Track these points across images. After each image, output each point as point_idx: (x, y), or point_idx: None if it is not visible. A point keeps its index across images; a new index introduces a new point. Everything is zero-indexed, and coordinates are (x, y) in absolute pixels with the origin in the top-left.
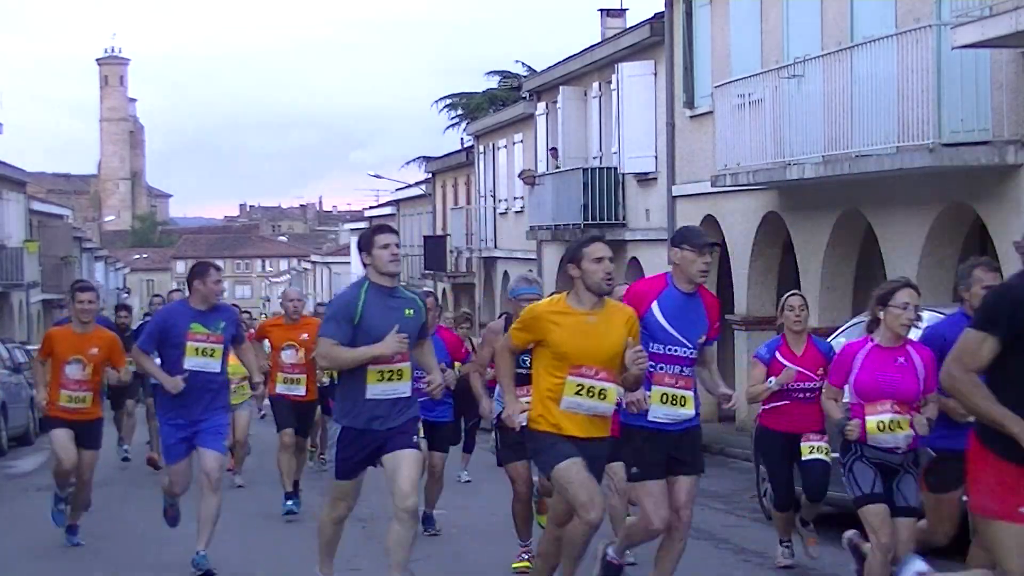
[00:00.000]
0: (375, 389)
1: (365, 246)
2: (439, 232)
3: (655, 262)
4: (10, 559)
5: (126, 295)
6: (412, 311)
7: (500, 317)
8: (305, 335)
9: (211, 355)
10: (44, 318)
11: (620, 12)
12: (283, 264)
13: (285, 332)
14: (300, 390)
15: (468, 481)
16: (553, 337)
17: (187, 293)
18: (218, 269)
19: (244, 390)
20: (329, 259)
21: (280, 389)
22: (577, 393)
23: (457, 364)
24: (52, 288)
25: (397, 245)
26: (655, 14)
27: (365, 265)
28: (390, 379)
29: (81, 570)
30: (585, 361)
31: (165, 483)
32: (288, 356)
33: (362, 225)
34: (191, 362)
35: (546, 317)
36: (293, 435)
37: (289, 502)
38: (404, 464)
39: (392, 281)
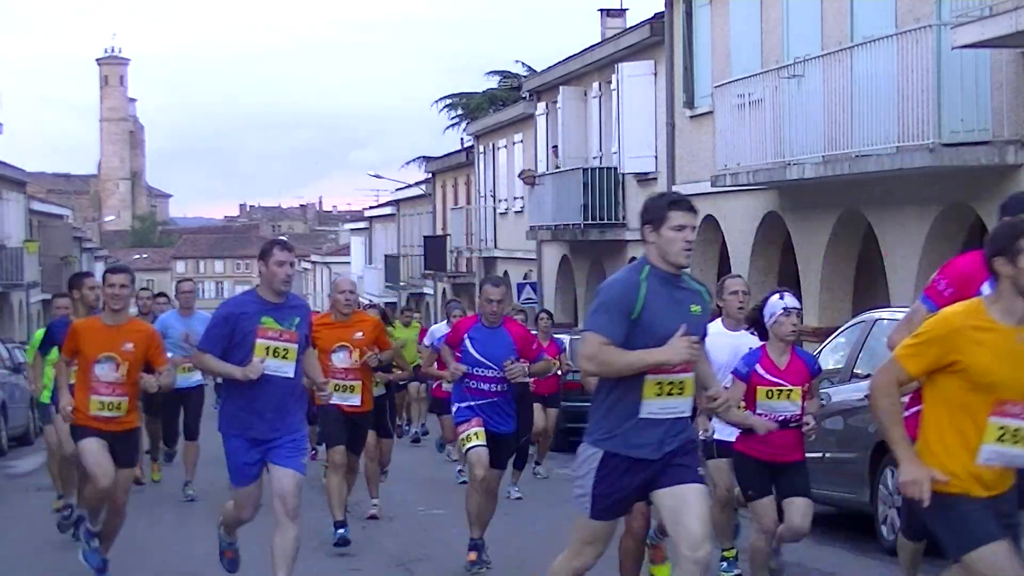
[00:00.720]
0: (652, 406)
1: (654, 219)
2: (439, 232)
3: None
4: (10, 559)
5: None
6: (699, 307)
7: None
8: (359, 333)
9: (284, 356)
10: (44, 318)
11: (620, 12)
12: None
13: (336, 332)
14: (355, 399)
15: (519, 498)
16: (975, 360)
17: (175, 297)
18: (286, 248)
19: None
20: (329, 259)
21: (334, 400)
22: (1000, 439)
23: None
24: (52, 288)
25: (693, 228)
26: (655, 14)
27: (647, 242)
28: (671, 393)
29: (81, 570)
30: (1014, 396)
31: (228, 510)
32: (340, 359)
33: (362, 225)
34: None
35: (967, 333)
36: (345, 453)
37: (340, 530)
38: (692, 501)
39: (678, 269)
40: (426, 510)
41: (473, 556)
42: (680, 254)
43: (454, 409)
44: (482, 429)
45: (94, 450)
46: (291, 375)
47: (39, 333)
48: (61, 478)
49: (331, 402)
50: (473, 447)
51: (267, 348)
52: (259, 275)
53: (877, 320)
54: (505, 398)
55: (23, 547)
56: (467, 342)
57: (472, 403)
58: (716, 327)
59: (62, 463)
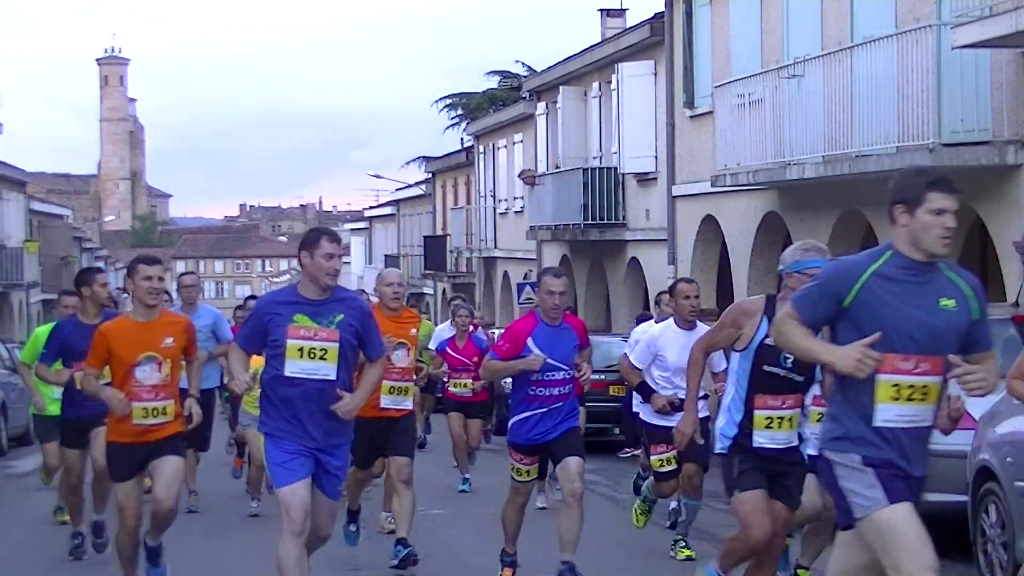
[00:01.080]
0: (888, 412)
1: (908, 198)
2: (439, 232)
3: (655, 262)
4: (10, 559)
5: (125, 295)
6: (953, 301)
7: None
8: (413, 330)
9: (323, 357)
10: (44, 318)
11: (620, 12)
12: (283, 264)
13: (392, 326)
14: (408, 403)
15: (543, 508)
16: None
17: (176, 292)
18: (335, 239)
19: None
20: None
21: (385, 403)
22: None
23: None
24: (52, 288)
25: (954, 214)
26: (655, 14)
27: (897, 224)
28: (910, 399)
29: (81, 570)
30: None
31: (284, 554)
32: (398, 358)
33: (362, 225)
34: (295, 366)
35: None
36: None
37: (352, 526)
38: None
39: (932, 257)
40: (426, 510)
41: (508, 573)
42: (938, 242)
43: (512, 423)
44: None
45: (126, 484)
46: (331, 377)
47: (41, 334)
48: (73, 505)
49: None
50: (526, 482)
51: (300, 349)
52: (300, 268)
53: None
54: (571, 401)
55: (23, 547)
56: (532, 346)
57: (537, 411)
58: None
59: (75, 489)
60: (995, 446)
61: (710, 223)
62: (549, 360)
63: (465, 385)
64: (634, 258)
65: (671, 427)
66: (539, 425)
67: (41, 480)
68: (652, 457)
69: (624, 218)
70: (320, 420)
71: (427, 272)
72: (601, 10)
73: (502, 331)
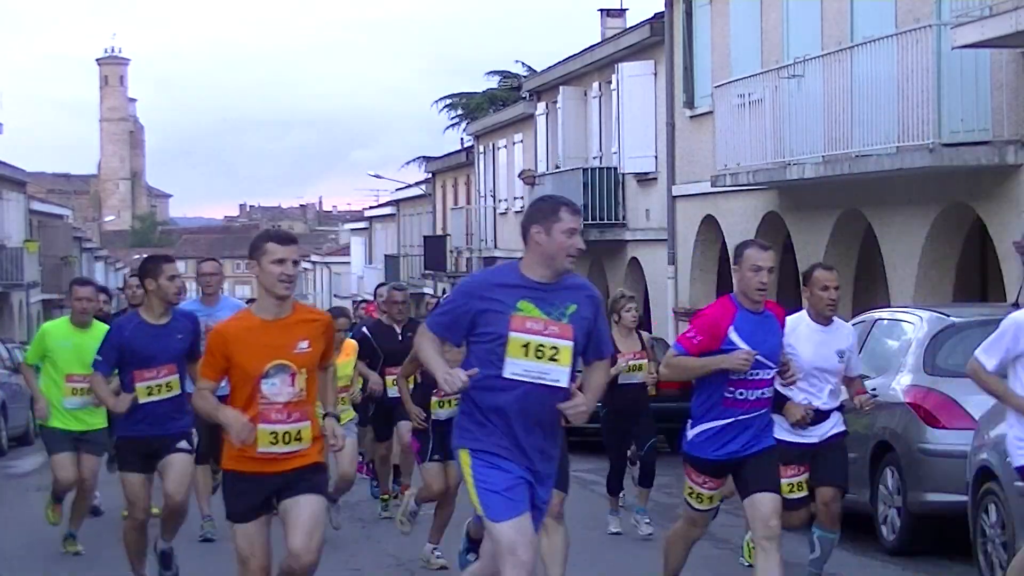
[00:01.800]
0: None
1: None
2: (439, 232)
3: (655, 262)
4: (10, 559)
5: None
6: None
7: None
8: None
9: (553, 358)
10: (44, 318)
11: (620, 12)
12: None
13: None
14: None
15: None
16: None
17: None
18: (577, 211)
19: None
20: (329, 259)
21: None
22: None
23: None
24: (52, 288)
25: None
26: (655, 14)
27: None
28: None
29: (82, 570)
30: None
31: (518, 558)
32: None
33: (362, 225)
34: (517, 366)
35: None
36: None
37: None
38: None
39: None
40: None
41: None
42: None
43: (695, 435)
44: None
45: (249, 530)
46: (562, 384)
47: (49, 331)
48: (137, 546)
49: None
50: (706, 510)
51: (524, 346)
52: (528, 245)
53: (877, 320)
54: (770, 410)
55: (23, 547)
56: (734, 336)
57: (734, 420)
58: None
59: (141, 527)
60: (995, 446)
61: (710, 223)
62: (756, 356)
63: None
64: (634, 258)
65: (806, 445)
66: (735, 439)
67: (47, 517)
68: (782, 481)
69: (624, 218)
70: (538, 438)
71: (427, 272)
72: (601, 10)
73: (690, 319)
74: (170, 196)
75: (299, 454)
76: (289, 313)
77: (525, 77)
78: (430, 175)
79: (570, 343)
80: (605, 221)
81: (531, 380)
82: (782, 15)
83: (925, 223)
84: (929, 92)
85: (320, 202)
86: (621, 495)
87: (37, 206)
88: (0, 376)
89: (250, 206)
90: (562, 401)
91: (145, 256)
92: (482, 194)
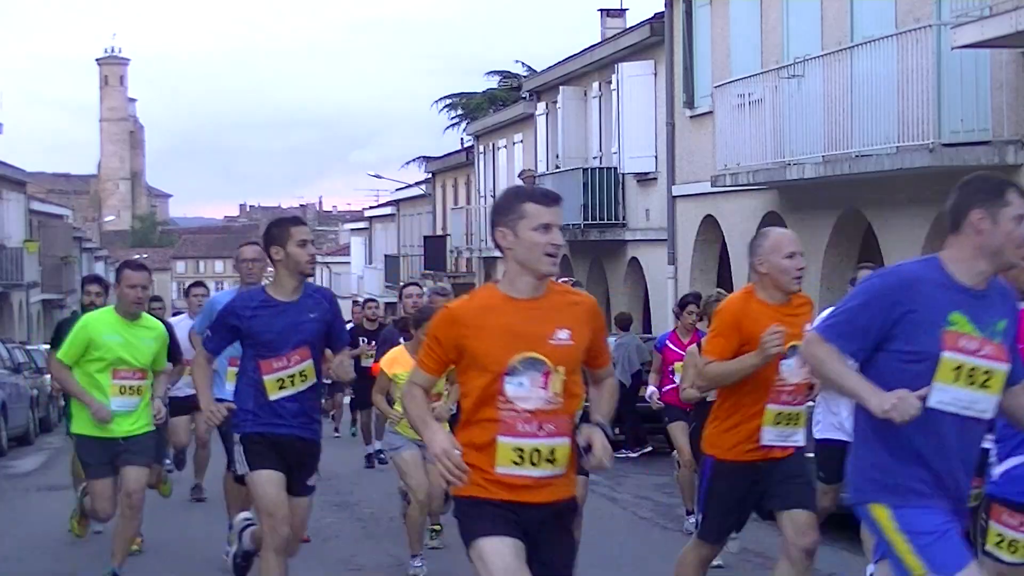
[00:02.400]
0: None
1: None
2: (439, 232)
3: (655, 262)
4: (10, 559)
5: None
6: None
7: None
8: (807, 324)
9: (984, 384)
10: (44, 318)
11: (620, 12)
12: None
13: (779, 317)
14: (799, 437)
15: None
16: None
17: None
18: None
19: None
20: (329, 259)
21: (770, 437)
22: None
23: None
24: (52, 288)
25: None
26: (655, 14)
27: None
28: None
29: (81, 570)
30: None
31: None
32: (790, 369)
33: (362, 225)
34: (944, 395)
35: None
36: None
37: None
38: None
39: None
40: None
41: None
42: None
43: (1011, 469)
44: None
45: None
46: (987, 413)
47: (90, 323)
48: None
49: None
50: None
51: (957, 369)
52: (964, 235)
53: None
54: None
55: (23, 547)
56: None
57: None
58: None
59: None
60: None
61: (710, 223)
62: None
63: None
64: (634, 258)
65: None
66: None
67: (72, 528)
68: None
69: (624, 218)
70: (964, 476)
71: (427, 272)
72: (601, 10)
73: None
74: (170, 196)
75: (553, 482)
76: (543, 294)
77: (525, 77)
78: (430, 175)
79: (1005, 367)
80: (605, 221)
81: (958, 411)
82: (782, 15)
83: (925, 223)
84: (929, 92)
85: (320, 202)
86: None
87: (37, 206)
88: (0, 376)
89: (250, 206)
90: (982, 435)
91: (271, 220)
92: (482, 194)
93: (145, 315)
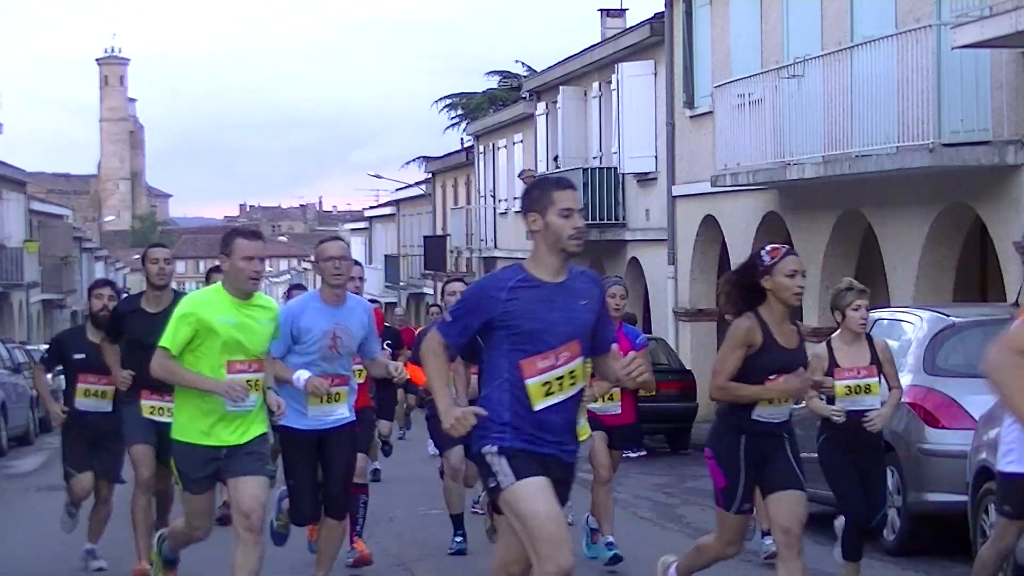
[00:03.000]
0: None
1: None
2: (439, 232)
3: (655, 262)
4: (10, 559)
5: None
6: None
7: None
8: None
9: None
10: (44, 318)
11: (620, 12)
12: (283, 264)
13: None
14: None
15: None
16: None
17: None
18: None
19: None
20: None
21: None
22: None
23: None
24: (52, 288)
25: None
26: (655, 14)
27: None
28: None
29: (82, 570)
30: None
31: None
32: None
33: (362, 225)
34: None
35: None
36: None
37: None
38: None
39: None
40: (426, 510)
41: None
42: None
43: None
44: None
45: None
46: None
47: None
48: None
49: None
50: None
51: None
52: None
53: (877, 320)
54: None
55: (23, 547)
56: None
57: None
58: None
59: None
60: (995, 446)
61: (710, 223)
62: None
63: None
64: (634, 258)
65: None
66: None
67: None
68: None
69: (624, 218)
70: None
71: (427, 272)
72: (601, 10)
73: None
74: (170, 196)
75: None
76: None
77: (525, 77)
78: (430, 175)
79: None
80: (605, 221)
81: None
82: (782, 15)
83: (925, 223)
84: (929, 92)
85: (320, 202)
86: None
87: (37, 206)
88: (0, 376)
89: (250, 206)
90: None
91: (535, 182)
92: (482, 194)
93: (259, 294)
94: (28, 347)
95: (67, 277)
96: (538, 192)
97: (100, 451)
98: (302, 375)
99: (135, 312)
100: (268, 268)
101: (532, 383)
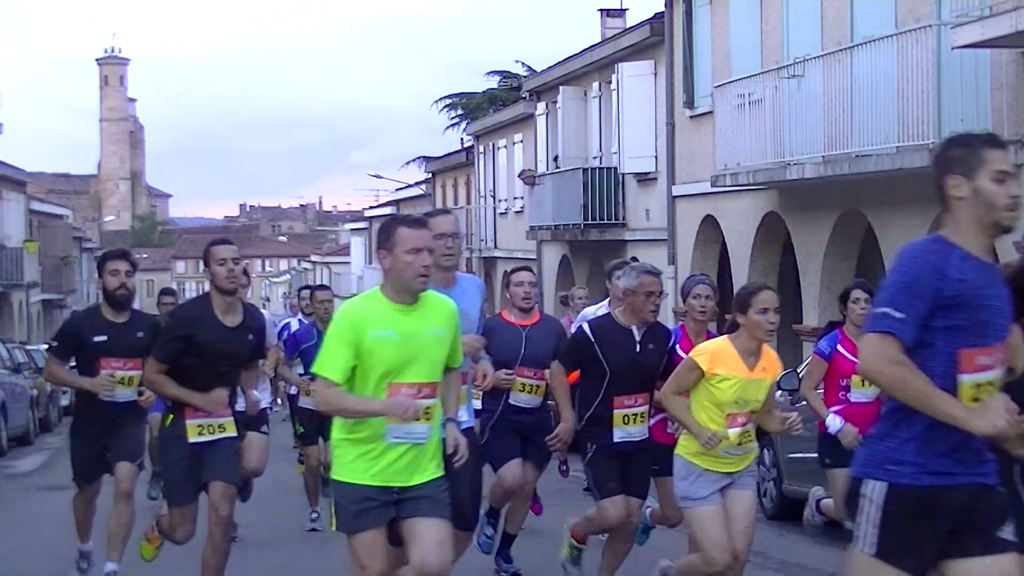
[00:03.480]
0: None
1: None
2: None
3: (655, 262)
4: (10, 559)
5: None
6: None
7: None
8: None
9: None
10: (44, 318)
11: (620, 12)
12: (283, 264)
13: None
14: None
15: None
16: None
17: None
18: None
19: None
20: (329, 259)
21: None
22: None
23: None
24: (52, 288)
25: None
26: (655, 14)
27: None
28: None
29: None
30: None
31: None
32: None
33: (362, 225)
34: None
35: None
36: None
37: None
38: None
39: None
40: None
41: None
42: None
43: None
44: None
45: None
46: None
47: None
48: None
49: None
50: None
51: None
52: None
53: None
54: None
55: (23, 547)
56: None
57: None
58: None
59: None
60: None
61: (710, 223)
62: None
63: None
64: (634, 258)
65: None
66: None
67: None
68: None
69: (624, 218)
70: None
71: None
72: (601, 10)
73: None
74: (170, 196)
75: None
76: None
77: (525, 77)
78: (430, 175)
79: None
80: (605, 221)
81: None
82: (782, 15)
83: (925, 223)
84: (929, 92)
85: (320, 202)
86: None
87: (37, 206)
88: (0, 376)
89: (250, 206)
90: None
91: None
92: (482, 194)
93: (431, 292)
94: (28, 347)
95: (67, 277)
96: (962, 152)
97: (117, 436)
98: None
99: (204, 319)
100: (268, 268)
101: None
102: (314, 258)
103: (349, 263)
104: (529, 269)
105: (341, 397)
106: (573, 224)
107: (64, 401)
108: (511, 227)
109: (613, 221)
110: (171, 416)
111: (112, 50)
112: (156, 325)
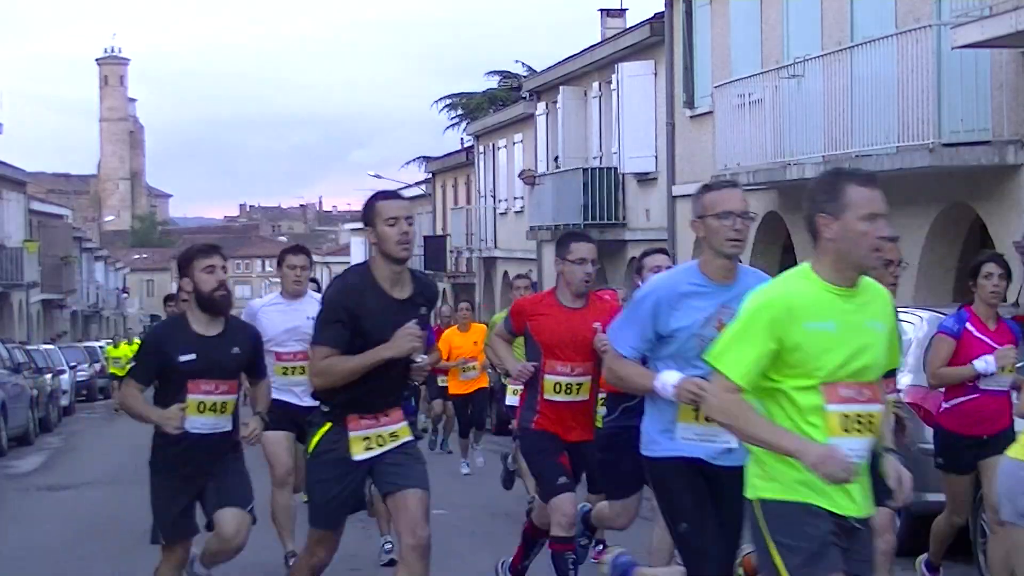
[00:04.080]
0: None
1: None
2: (439, 232)
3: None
4: (10, 559)
5: (125, 295)
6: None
7: None
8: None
9: None
10: (44, 318)
11: (620, 12)
12: None
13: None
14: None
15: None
16: None
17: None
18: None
19: None
20: (329, 259)
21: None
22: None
23: None
24: (52, 288)
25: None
26: (655, 14)
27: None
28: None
29: (82, 570)
30: None
31: None
32: None
33: (362, 225)
34: None
35: None
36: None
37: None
38: None
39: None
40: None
41: None
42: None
43: None
44: None
45: None
46: None
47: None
48: None
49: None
50: None
51: None
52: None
53: None
54: None
55: (23, 547)
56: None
57: None
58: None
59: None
60: None
61: None
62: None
63: None
64: (634, 258)
65: None
66: None
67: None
68: None
69: (624, 218)
70: None
71: (427, 272)
72: (601, 10)
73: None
74: (170, 196)
75: None
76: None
77: (525, 77)
78: (430, 175)
79: None
80: (605, 221)
81: None
82: (782, 15)
83: (925, 223)
84: (929, 92)
85: (320, 202)
86: None
87: (37, 206)
88: (0, 376)
89: (250, 206)
90: None
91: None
92: (482, 194)
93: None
94: (28, 347)
95: (67, 277)
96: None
97: (214, 475)
98: (670, 378)
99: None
100: (268, 268)
101: None
102: (314, 258)
103: (349, 263)
104: (664, 251)
105: (748, 412)
106: (573, 224)
107: (64, 401)
108: (511, 227)
109: (613, 221)
110: (328, 425)
111: (112, 50)
112: (256, 337)
